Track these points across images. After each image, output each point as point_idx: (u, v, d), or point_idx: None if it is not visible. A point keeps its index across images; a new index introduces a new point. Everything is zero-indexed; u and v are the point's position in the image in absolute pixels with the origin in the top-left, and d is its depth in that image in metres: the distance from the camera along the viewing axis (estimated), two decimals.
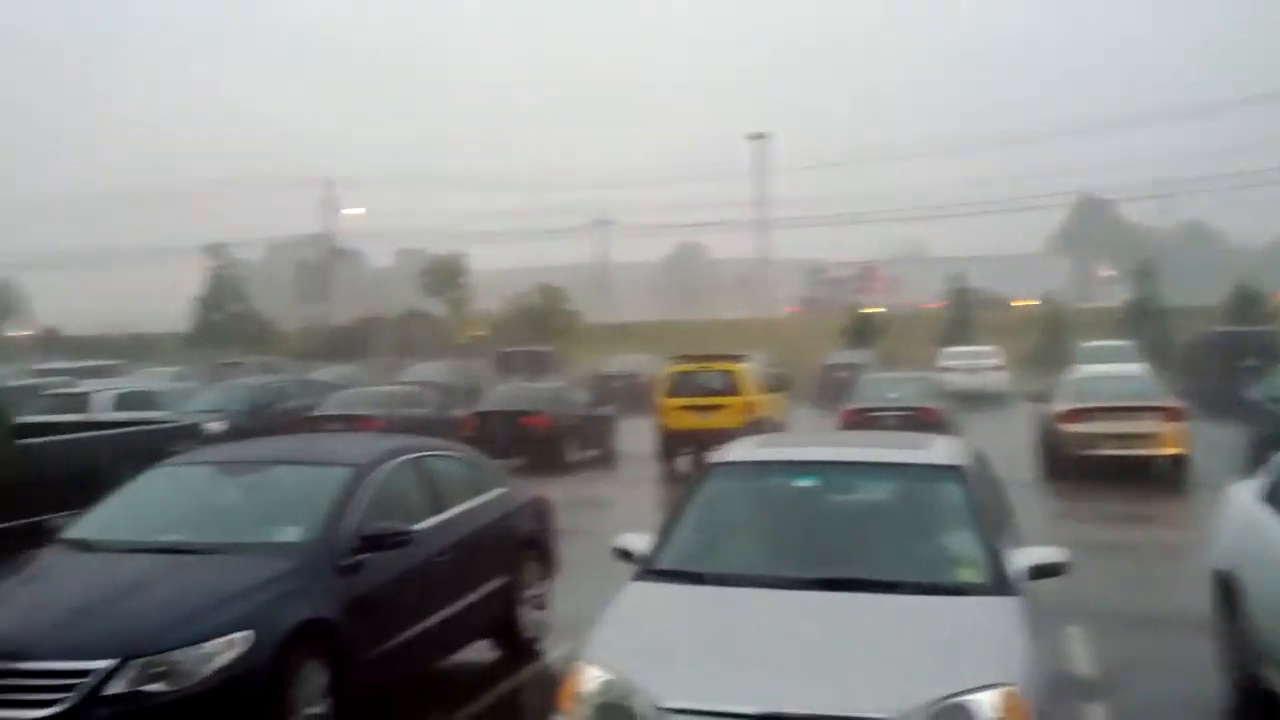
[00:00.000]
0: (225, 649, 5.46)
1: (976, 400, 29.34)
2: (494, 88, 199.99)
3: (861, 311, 47.45)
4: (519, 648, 8.22)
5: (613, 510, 16.33)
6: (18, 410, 17.02)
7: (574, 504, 15.78)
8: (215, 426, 17.91)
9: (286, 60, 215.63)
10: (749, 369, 21.64)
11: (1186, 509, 15.19)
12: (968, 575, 5.43)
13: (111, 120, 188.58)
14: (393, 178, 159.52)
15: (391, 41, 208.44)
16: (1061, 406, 17.36)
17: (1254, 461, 11.87)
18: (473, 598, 7.53)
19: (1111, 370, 21.00)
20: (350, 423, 19.88)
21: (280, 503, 7.14)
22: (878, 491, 6.37)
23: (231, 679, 5.41)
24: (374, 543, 6.55)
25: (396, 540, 6.68)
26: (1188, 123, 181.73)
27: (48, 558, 6.59)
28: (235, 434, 17.54)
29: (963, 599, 5.23)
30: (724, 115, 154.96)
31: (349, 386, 25.81)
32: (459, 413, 22.60)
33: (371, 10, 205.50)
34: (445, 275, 53.95)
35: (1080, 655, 7.90)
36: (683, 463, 19.95)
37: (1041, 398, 18.91)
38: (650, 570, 5.72)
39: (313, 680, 5.89)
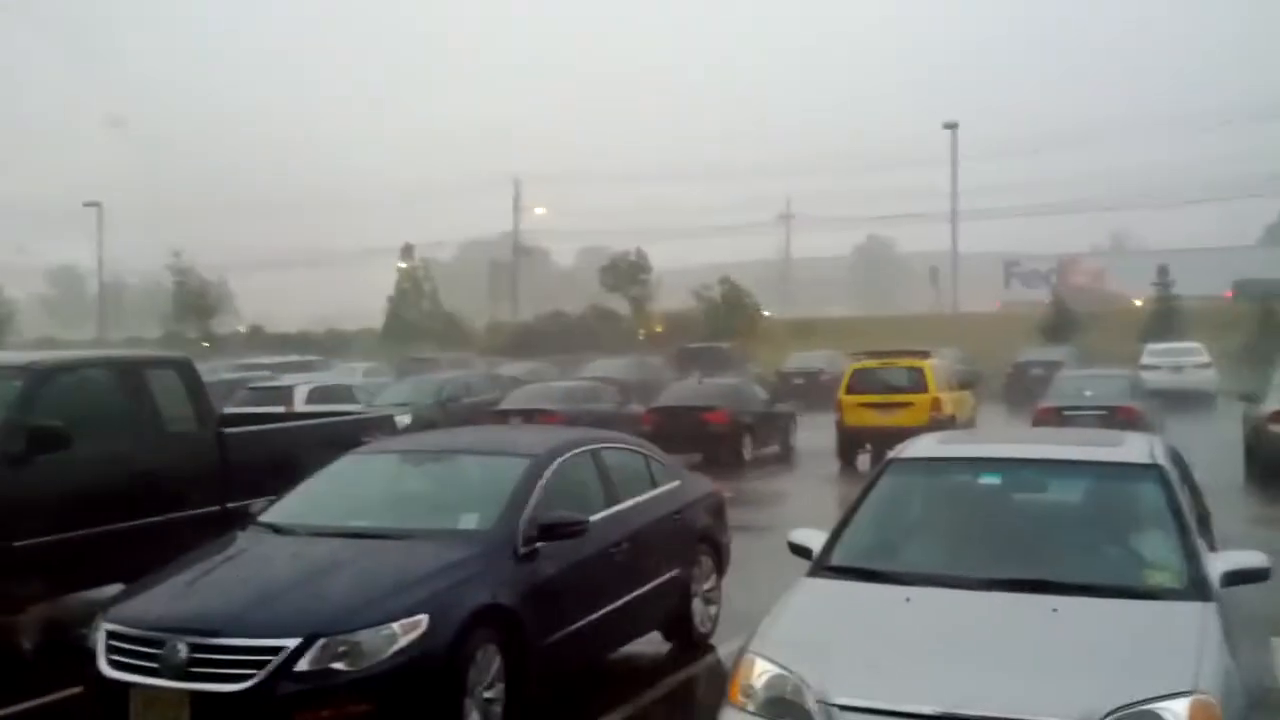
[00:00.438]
0: (406, 631, 5.61)
1: (1180, 399, 27.77)
2: (677, 82, 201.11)
3: (1058, 306, 45.70)
4: (691, 641, 8.21)
5: (788, 506, 16.18)
6: (224, 402, 18.06)
7: (750, 500, 15.77)
8: (404, 418, 18.57)
9: (474, 61, 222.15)
10: (935, 365, 21.08)
11: None
12: (1161, 579, 5.13)
13: (310, 126, 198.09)
14: (577, 176, 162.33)
15: (575, 39, 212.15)
16: (1273, 407, 16.31)
17: None
18: (646, 589, 7.55)
19: None
20: (532, 416, 20.33)
21: (462, 491, 7.32)
22: (1066, 490, 6.10)
23: (412, 660, 5.55)
24: (551, 532, 6.64)
25: (573, 530, 6.75)
26: None
27: (244, 540, 6.91)
28: (422, 426, 18.16)
29: (1155, 603, 4.95)
30: (912, 105, 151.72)
31: (532, 381, 26.39)
32: (638, 408, 22.82)
33: (551, 9, 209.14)
34: (626, 273, 54.55)
35: None
36: (862, 461, 19.63)
37: (1252, 398, 17.79)
38: (824, 566, 5.61)
39: (489, 665, 6.00)
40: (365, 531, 6.70)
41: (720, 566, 8.75)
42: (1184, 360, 32.87)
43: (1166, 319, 44.41)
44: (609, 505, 7.52)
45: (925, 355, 21.27)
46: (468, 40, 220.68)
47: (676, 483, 8.56)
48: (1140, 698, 4.12)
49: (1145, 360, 32.30)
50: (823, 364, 34.23)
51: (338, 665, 5.42)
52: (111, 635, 5.77)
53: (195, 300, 61.57)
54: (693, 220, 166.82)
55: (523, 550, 6.49)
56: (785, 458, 22.16)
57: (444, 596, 5.89)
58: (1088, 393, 19.31)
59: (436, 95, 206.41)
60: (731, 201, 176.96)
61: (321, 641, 5.44)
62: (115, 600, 6.27)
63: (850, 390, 20.59)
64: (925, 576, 5.32)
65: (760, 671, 4.64)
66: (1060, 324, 44.10)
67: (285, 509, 7.20)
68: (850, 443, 20.09)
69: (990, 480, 6.09)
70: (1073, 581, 5.12)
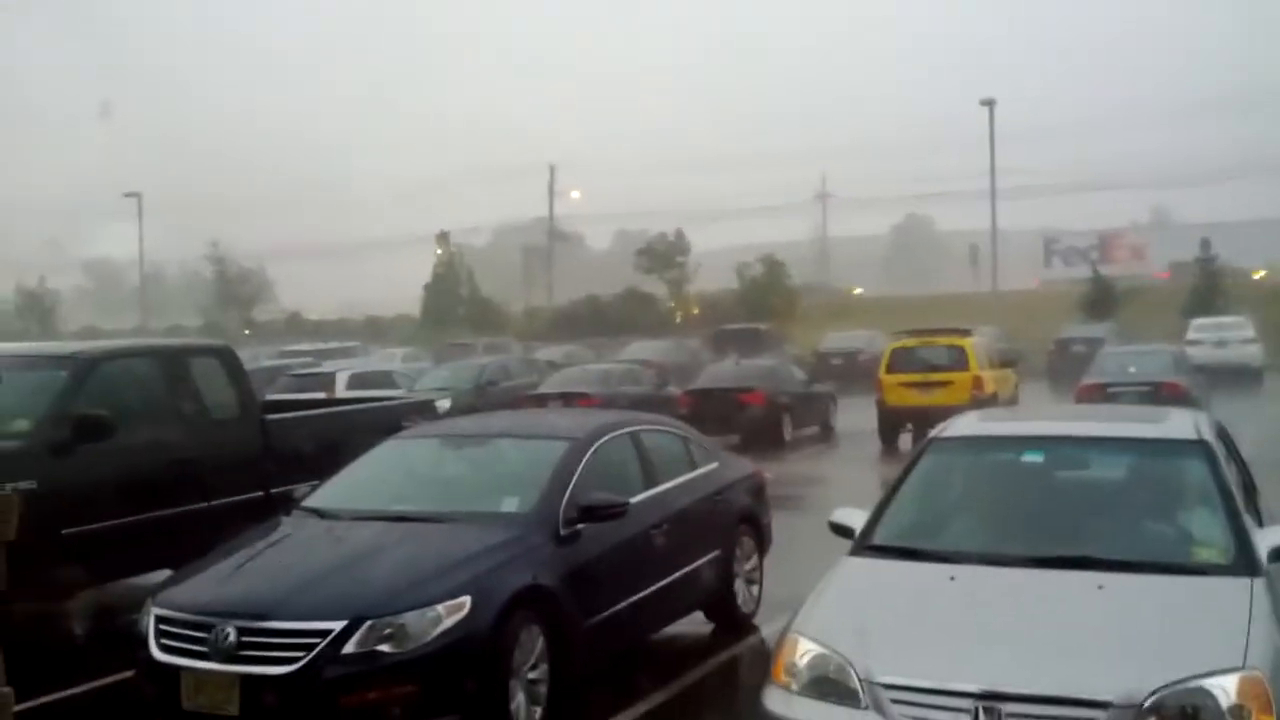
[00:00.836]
0: (450, 613, 5.64)
1: (1226, 375, 27.41)
2: (712, 67, 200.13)
3: (1100, 281, 45.20)
4: (733, 621, 8.22)
5: (828, 487, 16.15)
6: (266, 388, 18.22)
7: (790, 481, 15.74)
8: (443, 403, 18.66)
9: (508, 50, 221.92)
10: (976, 344, 20.91)
11: None
12: (1208, 554, 5.08)
13: (346, 116, 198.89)
14: (613, 161, 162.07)
15: (610, 27, 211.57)
16: None
17: None
18: (687, 570, 7.56)
19: None
20: (569, 399, 20.38)
21: (502, 474, 7.35)
22: (1109, 467, 6.05)
23: (455, 642, 5.59)
24: (591, 514, 6.65)
25: (613, 512, 6.76)
26: None
27: (288, 525, 6.98)
28: (461, 410, 18.24)
29: (1202, 579, 4.89)
30: (950, 84, 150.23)
31: (570, 365, 26.44)
32: (675, 390, 22.81)
33: None
34: (662, 255, 54.47)
35: None
36: (903, 441, 19.53)
37: None
38: (866, 546, 5.59)
39: (532, 646, 6.03)
40: (408, 515, 6.75)
41: (762, 547, 8.75)
42: (1229, 335, 32.41)
43: (1210, 294, 43.80)
44: (649, 487, 7.52)
45: (966, 333, 21.11)
46: (501, 29, 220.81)
47: (716, 464, 8.55)
48: (1188, 674, 4.08)
49: (1190, 335, 31.90)
50: (861, 344, 34.05)
51: (383, 647, 5.47)
52: (161, 620, 5.86)
53: (235, 289, 62.10)
54: (729, 203, 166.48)
55: (564, 532, 6.51)
56: (825, 438, 22.10)
57: (486, 578, 5.92)
58: (1132, 369, 19.11)
59: (470, 84, 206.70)
60: (768, 184, 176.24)
61: (367, 624, 5.49)
62: (164, 586, 6.36)
63: (890, 369, 20.47)
64: (968, 555, 5.29)
65: (804, 651, 4.64)
66: (1101, 300, 43.62)
67: (328, 494, 7.26)
68: (891, 422, 19.99)
69: (1033, 458, 6.04)
70: (1118, 558, 5.08)
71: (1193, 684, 4.06)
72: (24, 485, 7.13)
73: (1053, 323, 37.46)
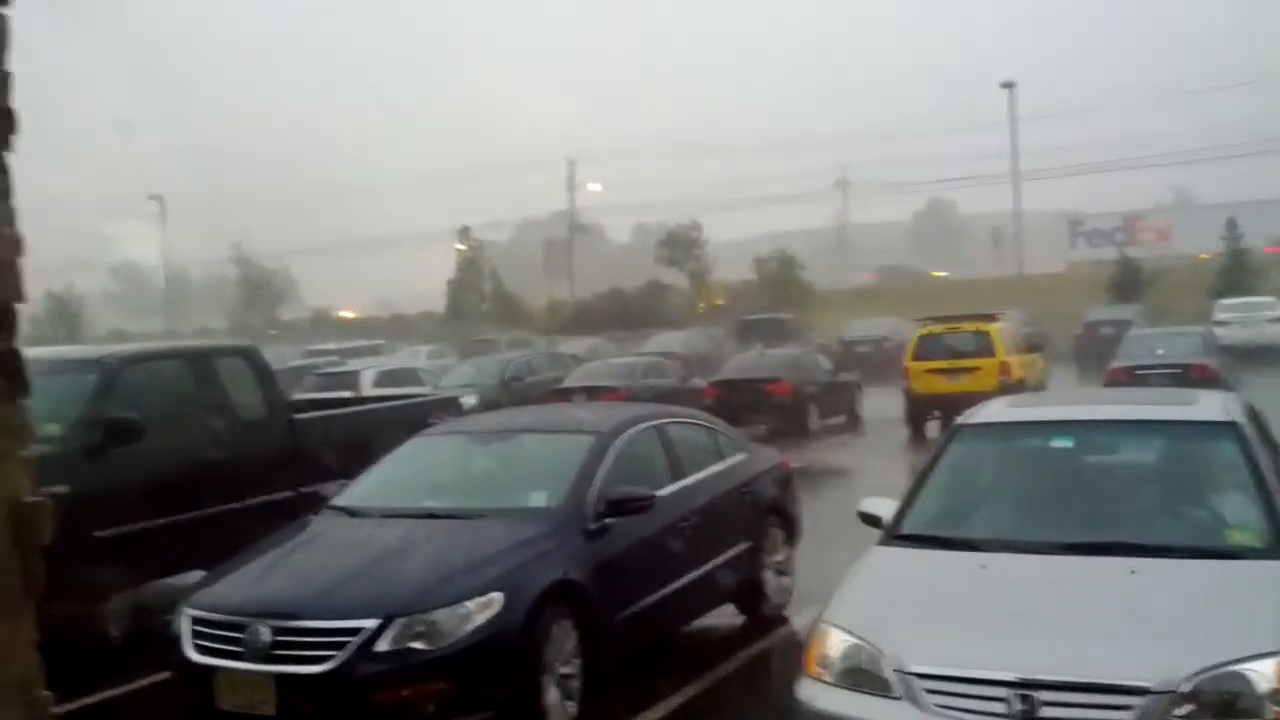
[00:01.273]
0: (481, 609, 5.66)
1: (1256, 355, 27.17)
2: (729, 55, 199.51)
3: (1126, 263, 44.85)
4: (764, 613, 8.21)
5: (856, 477, 16.10)
6: (293, 387, 18.32)
7: (817, 470, 15.71)
8: (469, 400, 18.72)
9: (523, 42, 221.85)
10: (1002, 328, 20.79)
11: None
12: (1243, 538, 5.03)
13: (363, 113, 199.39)
14: (632, 152, 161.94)
15: (627, 14, 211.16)
16: None
17: None
18: (716, 562, 7.55)
19: None
20: (594, 393, 20.38)
21: (529, 470, 7.37)
22: (1141, 451, 6.01)
23: (487, 638, 5.61)
24: (619, 508, 6.65)
25: (640, 505, 6.76)
26: None
27: (318, 524, 7.01)
28: (487, 406, 18.30)
29: (1237, 563, 4.85)
30: (969, 66, 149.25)
31: (594, 359, 26.46)
32: (700, 382, 22.79)
33: None
34: (682, 247, 54.43)
35: None
36: (930, 428, 19.45)
37: None
38: (896, 535, 5.57)
39: (563, 641, 6.04)
40: (437, 512, 6.77)
41: (791, 538, 8.72)
42: (1258, 314, 32.14)
43: (1237, 273, 43.38)
44: (676, 480, 7.51)
45: (991, 318, 20.99)
46: (517, 20, 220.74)
47: (743, 455, 8.53)
48: (1225, 659, 4.04)
49: (1218, 316, 31.63)
50: (886, 331, 33.90)
51: (416, 645, 5.49)
52: (196, 621, 5.90)
53: (259, 289, 62.42)
54: (750, 191, 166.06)
55: (592, 526, 6.51)
56: (852, 427, 22.03)
57: (516, 574, 5.94)
58: (1160, 351, 18.97)
59: (488, 78, 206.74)
60: (789, 172, 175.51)
61: (400, 621, 5.51)
62: (197, 587, 6.40)
63: (916, 357, 20.38)
64: (999, 542, 5.27)
65: (836, 642, 4.63)
66: (1128, 282, 43.28)
67: (357, 492, 7.30)
68: (918, 410, 19.89)
69: (1062, 443, 6.01)
70: (1150, 543, 5.05)
71: (1230, 669, 4.02)
72: (57, 489, 7.18)
73: (1079, 305, 37.17)
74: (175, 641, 5.93)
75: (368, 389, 20.05)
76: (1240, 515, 5.21)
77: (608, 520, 6.59)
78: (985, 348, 19.92)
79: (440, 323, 55.22)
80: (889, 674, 4.38)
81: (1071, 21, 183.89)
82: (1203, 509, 5.45)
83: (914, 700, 4.28)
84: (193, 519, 8.41)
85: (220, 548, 7.07)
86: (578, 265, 69.50)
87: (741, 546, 7.91)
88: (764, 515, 8.36)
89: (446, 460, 7.79)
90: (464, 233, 60.51)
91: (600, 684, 6.27)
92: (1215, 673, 4.02)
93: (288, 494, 9.02)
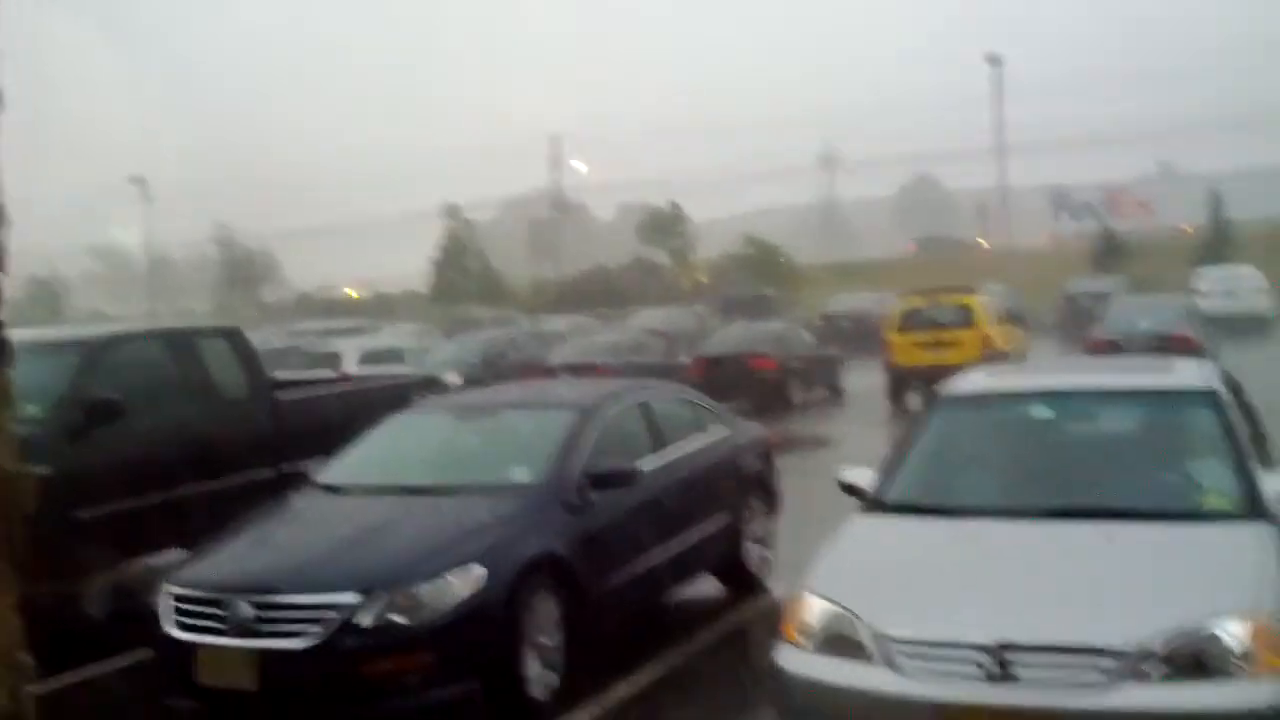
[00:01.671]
0: (464, 583, 5.68)
1: (1237, 325, 27.32)
2: (712, 32, 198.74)
3: (1105, 235, 45.02)
4: (744, 584, 8.26)
5: (838, 449, 16.15)
6: (277, 367, 18.25)
7: (800, 443, 15.76)
8: (453, 378, 18.69)
9: (503, 24, 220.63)
10: (984, 301, 20.87)
11: None
12: (1217, 501, 5.09)
13: (345, 94, 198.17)
14: (616, 131, 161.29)
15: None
16: None
17: None
18: (697, 534, 7.60)
19: None
20: (578, 371, 20.36)
21: (511, 445, 7.37)
22: (1118, 419, 6.05)
23: (470, 611, 5.63)
24: (601, 481, 6.69)
25: (622, 479, 6.80)
26: None
27: (300, 501, 7.03)
28: (471, 384, 18.26)
29: (1211, 526, 4.91)
30: (954, 41, 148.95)
31: (578, 337, 26.43)
32: (685, 358, 22.80)
33: None
34: (664, 225, 54.38)
35: None
36: (912, 401, 19.52)
37: None
38: (876, 503, 5.61)
39: (546, 613, 6.07)
40: (419, 488, 6.78)
41: (772, 510, 8.77)
42: (1240, 285, 32.28)
43: (1220, 244, 43.59)
44: (658, 453, 7.54)
45: (972, 291, 21.07)
46: (501, 2, 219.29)
47: (725, 429, 8.57)
48: (1197, 620, 4.10)
49: (1200, 286, 31.76)
50: (870, 305, 33.96)
51: (398, 618, 5.52)
52: (177, 598, 5.91)
53: (242, 270, 62.12)
54: (735, 168, 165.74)
55: (574, 500, 6.54)
56: (834, 401, 22.10)
57: (499, 548, 5.96)
58: (1141, 321, 19.04)
59: (470, 59, 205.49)
60: (774, 148, 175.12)
61: (382, 595, 5.53)
62: (179, 565, 6.41)
63: (899, 330, 20.47)
64: (977, 509, 5.32)
65: (815, 609, 4.67)
66: (1109, 254, 43.46)
67: (339, 469, 7.30)
68: (900, 382, 19.97)
69: (1041, 412, 6.06)
70: (1127, 508, 5.10)
71: (1202, 629, 4.08)
72: (39, 470, 7.16)
73: (1063, 278, 37.31)
74: (157, 619, 5.94)
75: (351, 369, 19.99)
76: (1215, 480, 5.26)
77: (590, 494, 6.62)
78: (967, 320, 20.02)
79: (424, 302, 55.07)
80: (867, 639, 4.42)
81: None
82: (1179, 474, 5.50)
83: (891, 665, 4.32)
84: (175, 498, 8.39)
85: (203, 526, 7.07)
86: (562, 244, 69.37)
87: (723, 518, 7.95)
88: (745, 487, 8.40)
89: (429, 436, 7.79)
90: (452, 210, 60.19)
91: (582, 654, 6.31)
92: (1187, 633, 4.07)
93: (270, 472, 9.02)
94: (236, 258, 63.86)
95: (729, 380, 19.60)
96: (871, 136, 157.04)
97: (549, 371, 20.77)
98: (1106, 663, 4.04)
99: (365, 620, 5.49)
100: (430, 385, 11.96)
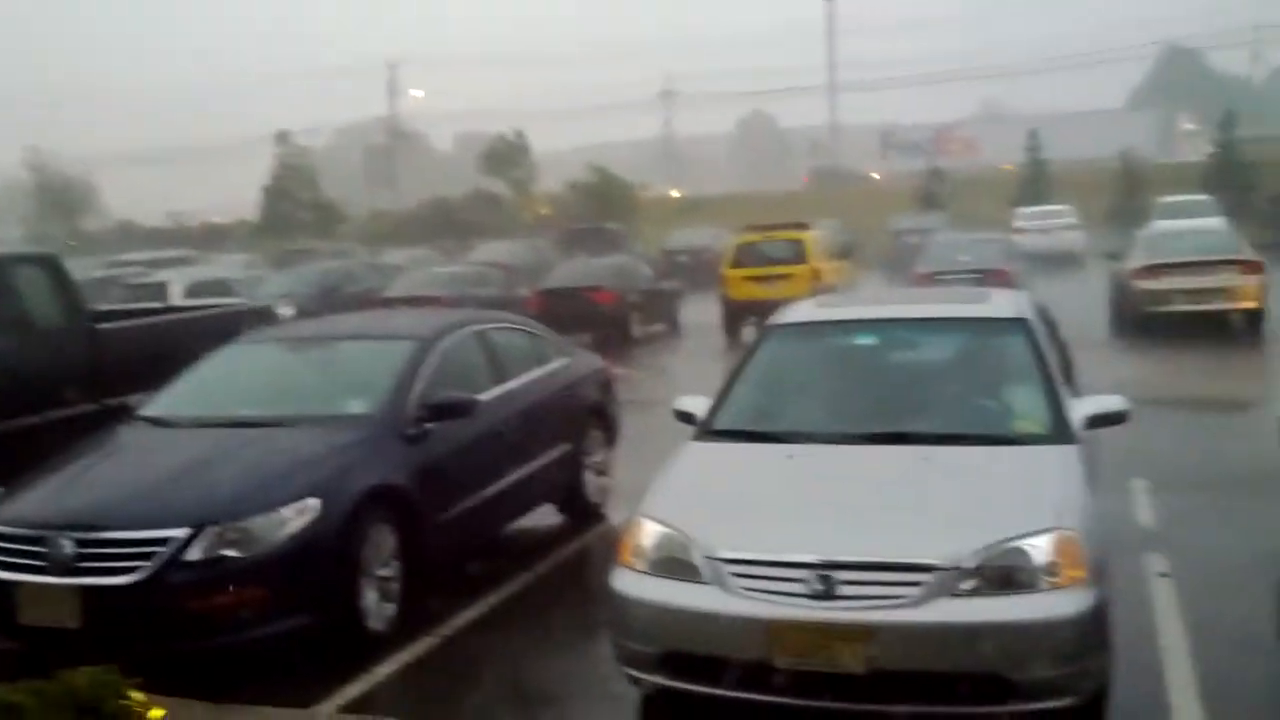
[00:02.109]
0: (297, 515, 5.62)
1: (1051, 261, 28.72)
2: None
3: (931, 173, 46.48)
4: (583, 512, 8.39)
5: (676, 380, 16.41)
6: (98, 299, 17.45)
7: (639, 375, 15.95)
8: (286, 310, 18.22)
9: None
10: (815, 237, 21.40)
11: (1261, 362, 14.95)
12: (1027, 426, 5.39)
13: (173, 17, 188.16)
14: (454, 59, 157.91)
15: None
16: (1135, 263, 17.02)
17: None
18: (537, 465, 7.66)
19: (1188, 225, 20.49)
20: (418, 303, 20.08)
21: (347, 376, 7.27)
22: (937, 347, 6.32)
23: (304, 543, 5.58)
24: (439, 412, 6.67)
25: (461, 409, 6.78)
26: None
27: (126, 434, 6.80)
28: (305, 316, 17.83)
29: (1021, 448, 5.20)
30: None
31: (416, 269, 26.01)
32: (525, 291, 22.72)
33: None
34: (505, 156, 53.65)
35: (1143, 506, 7.85)
36: (747, 334, 19.94)
37: (1116, 256, 18.54)
38: (709, 430, 5.76)
39: (382, 544, 6.06)
40: (251, 420, 6.63)
41: (610, 440, 8.90)
42: (1053, 223, 33.86)
43: (1037, 184, 45.56)
44: (497, 384, 7.55)
45: (805, 227, 21.56)
46: None
47: (565, 360, 8.62)
48: (1006, 535, 4.36)
49: (1017, 224, 33.21)
50: (707, 240, 34.35)
51: (229, 552, 5.43)
52: None
53: (58, 197, 58.83)
54: (575, 100, 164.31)
55: (412, 431, 6.51)
56: (673, 334, 22.40)
57: (334, 480, 5.91)
58: (962, 257, 19.76)
59: None
60: (614, 81, 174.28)
61: (212, 529, 5.42)
62: None
63: (733, 265, 20.85)
64: (805, 435, 5.51)
65: (649, 532, 4.79)
66: (934, 191, 44.90)
67: (166, 402, 7.08)
68: (734, 316, 20.35)
69: (865, 340, 6.29)
70: (944, 432, 5.36)
71: (1010, 544, 4.34)
72: None
73: (891, 215, 38.45)
74: None
75: (177, 300, 19.26)
76: (1026, 405, 5.56)
77: (428, 425, 6.59)
78: (796, 255, 20.54)
79: (256, 233, 53.16)
80: (698, 560, 4.56)
81: None
82: (993, 400, 5.79)
83: (721, 584, 4.47)
84: None
85: (20, 462, 6.76)
86: (400, 174, 67.83)
87: (562, 448, 8.03)
88: (584, 418, 8.50)
89: (261, 368, 7.61)
90: (282, 137, 57.95)
91: (421, 585, 6.33)
92: (997, 549, 4.33)
93: (90, 406, 8.68)
94: (52, 183, 60.33)
95: (569, 313, 19.63)
96: (712, 71, 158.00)
97: (386, 303, 20.44)
98: (923, 578, 4.27)
99: (194, 555, 5.38)
100: (262, 317, 11.62)
